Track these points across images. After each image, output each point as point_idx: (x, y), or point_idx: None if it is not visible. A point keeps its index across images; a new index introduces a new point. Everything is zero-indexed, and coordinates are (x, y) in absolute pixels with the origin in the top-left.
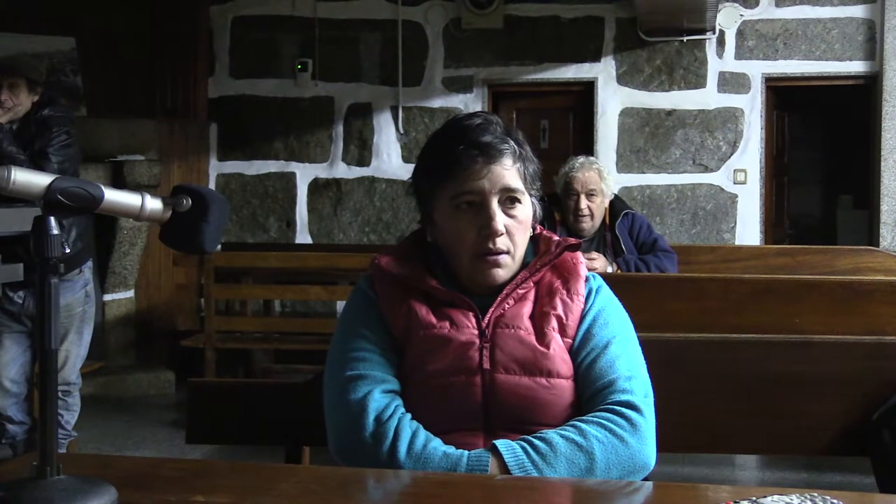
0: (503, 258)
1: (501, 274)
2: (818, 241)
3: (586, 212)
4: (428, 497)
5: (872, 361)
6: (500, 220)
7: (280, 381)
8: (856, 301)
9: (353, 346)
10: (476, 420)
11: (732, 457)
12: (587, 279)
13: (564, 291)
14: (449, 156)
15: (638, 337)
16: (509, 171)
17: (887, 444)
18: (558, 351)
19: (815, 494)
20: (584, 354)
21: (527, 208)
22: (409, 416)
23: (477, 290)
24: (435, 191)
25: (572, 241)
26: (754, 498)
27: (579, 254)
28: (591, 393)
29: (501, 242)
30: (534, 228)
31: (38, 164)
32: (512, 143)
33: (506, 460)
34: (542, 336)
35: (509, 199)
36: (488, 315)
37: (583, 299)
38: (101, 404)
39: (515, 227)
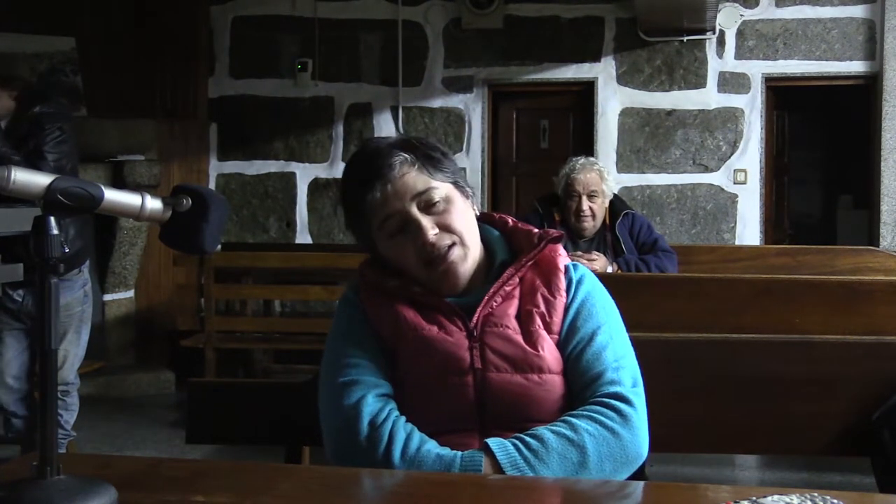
0: (453, 253)
1: (461, 267)
2: (818, 241)
3: (588, 213)
4: (425, 496)
5: (872, 361)
6: (428, 225)
7: (280, 381)
8: (856, 301)
9: (344, 353)
10: (470, 420)
11: (732, 457)
12: (566, 270)
13: (545, 288)
14: (355, 197)
15: (638, 337)
16: (411, 177)
17: (887, 444)
18: (547, 347)
19: (815, 494)
20: (570, 347)
21: (450, 198)
22: (403, 418)
23: (457, 290)
24: (365, 230)
25: (554, 232)
26: (754, 498)
27: (559, 246)
28: (581, 386)
29: (441, 241)
30: (489, 214)
31: (33, 163)
32: (397, 150)
33: (498, 459)
34: (528, 334)
35: (427, 203)
36: (476, 314)
37: (564, 293)
38: (101, 404)
39: (448, 218)
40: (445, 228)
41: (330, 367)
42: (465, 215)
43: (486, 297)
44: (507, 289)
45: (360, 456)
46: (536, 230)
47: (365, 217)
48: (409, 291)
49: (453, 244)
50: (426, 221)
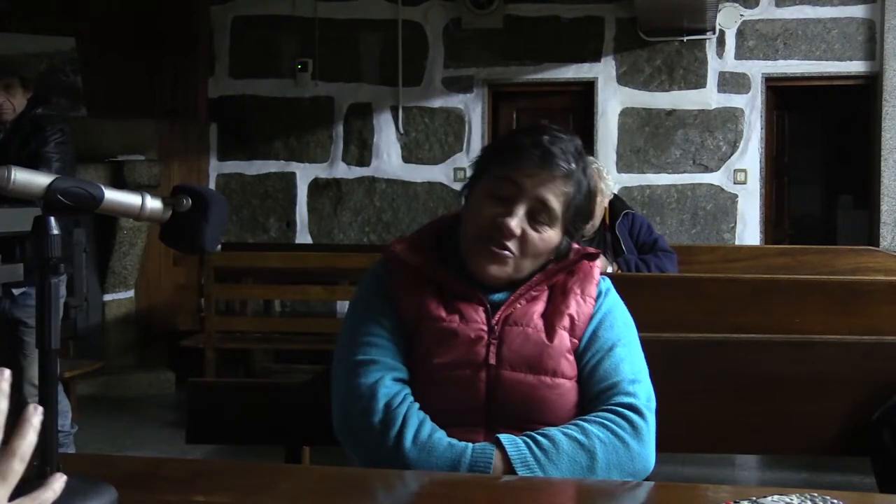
0: (505, 255)
1: (496, 270)
2: (818, 241)
3: None
4: (430, 497)
5: (872, 361)
6: (519, 223)
7: (280, 381)
8: (856, 301)
9: (365, 331)
10: (478, 415)
11: (732, 457)
12: (598, 281)
13: (579, 292)
14: (515, 142)
15: (638, 337)
16: (554, 188)
17: (887, 444)
18: (563, 350)
19: (815, 494)
20: (589, 355)
21: (553, 237)
22: (417, 405)
23: (482, 280)
24: (486, 168)
25: (591, 250)
26: (754, 498)
27: (596, 261)
28: (595, 394)
29: (511, 242)
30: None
31: (35, 165)
32: (575, 167)
33: (509, 455)
34: (551, 334)
35: (539, 214)
36: (499, 313)
37: (593, 301)
38: (101, 404)
39: (532, 241)
40: (524, 241)
41: (348, 342)
42: (545, 250)
43: (512, 298)
44: (533, 293)
45: (372, 437)
46: (576, 245)
47: (497, 162)
48: (438, 275)
49: (512, 254)
50: (520, 218)
